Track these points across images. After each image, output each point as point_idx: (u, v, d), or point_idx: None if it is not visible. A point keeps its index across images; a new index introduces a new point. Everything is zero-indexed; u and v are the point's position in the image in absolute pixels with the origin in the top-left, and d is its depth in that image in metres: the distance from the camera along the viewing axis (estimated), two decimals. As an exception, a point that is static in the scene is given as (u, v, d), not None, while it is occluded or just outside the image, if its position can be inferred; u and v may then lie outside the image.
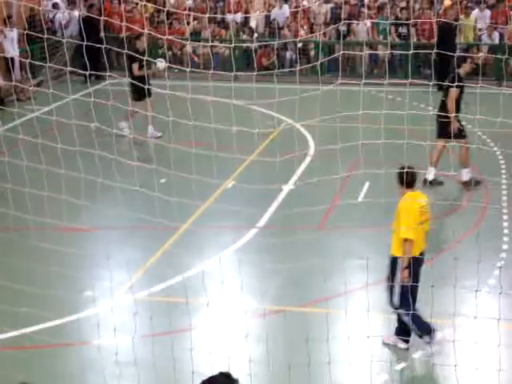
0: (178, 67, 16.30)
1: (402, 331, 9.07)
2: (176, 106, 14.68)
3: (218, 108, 16.51)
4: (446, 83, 13.62)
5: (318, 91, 10.29)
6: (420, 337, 8.97)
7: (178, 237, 11.90)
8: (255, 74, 10.00)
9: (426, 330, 8.87)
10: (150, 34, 18.84)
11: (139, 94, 16.05)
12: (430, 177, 13.89)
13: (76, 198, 11.72)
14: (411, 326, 8.89)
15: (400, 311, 8.88)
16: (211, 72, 11.90)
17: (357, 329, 8.80)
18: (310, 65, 20.52)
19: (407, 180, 8.60)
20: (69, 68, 12.16)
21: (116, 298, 10.03)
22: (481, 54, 22.43)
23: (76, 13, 23.62)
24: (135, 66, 16.32)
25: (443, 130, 13.47)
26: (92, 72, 13.46)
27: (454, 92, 13.31)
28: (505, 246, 11.58)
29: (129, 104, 15.69)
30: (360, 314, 9.06)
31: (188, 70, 10.26)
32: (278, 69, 21.90)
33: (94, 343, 9.07)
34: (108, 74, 12.17)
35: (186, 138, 13.90)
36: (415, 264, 8.60)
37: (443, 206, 13.38)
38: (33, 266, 10.96)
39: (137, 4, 24.17)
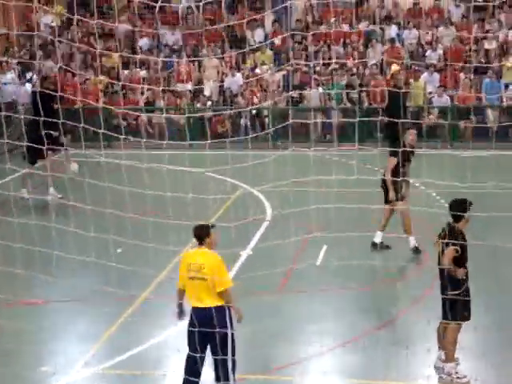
0: (135, 138, 16.44)
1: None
2: (132, 175, 14.66)
3: (175, 176, 16.52)
4: (389, 149, 13.76)
5: (272, 157, 10.38)
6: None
7: (135, 307, 11.74)
8: (209, 141, 10.08)
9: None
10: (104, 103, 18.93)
11: (35, 158, 16.92)
12: (377, 240, 13.92)
13: (31, 271, 11.57)
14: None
15: None
16: (166, 142, 11.97)
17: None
18: (264, 132, 20.72)
19: (195, 235, 8.81)
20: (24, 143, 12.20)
21: (73, 373, 9.81)
22: (431, 117, 22.86)
23: (28, 86, 23.53)
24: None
25: (388, 196, 13.55)
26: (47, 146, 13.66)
27: (392, 161, 13.42)
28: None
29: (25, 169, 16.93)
30: (319, 379, 9.03)
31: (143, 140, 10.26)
32: (233, 136, 22.14)
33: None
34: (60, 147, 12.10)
35: (142, 206, 13.87)
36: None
37: (398, 268, 13.43)
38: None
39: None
